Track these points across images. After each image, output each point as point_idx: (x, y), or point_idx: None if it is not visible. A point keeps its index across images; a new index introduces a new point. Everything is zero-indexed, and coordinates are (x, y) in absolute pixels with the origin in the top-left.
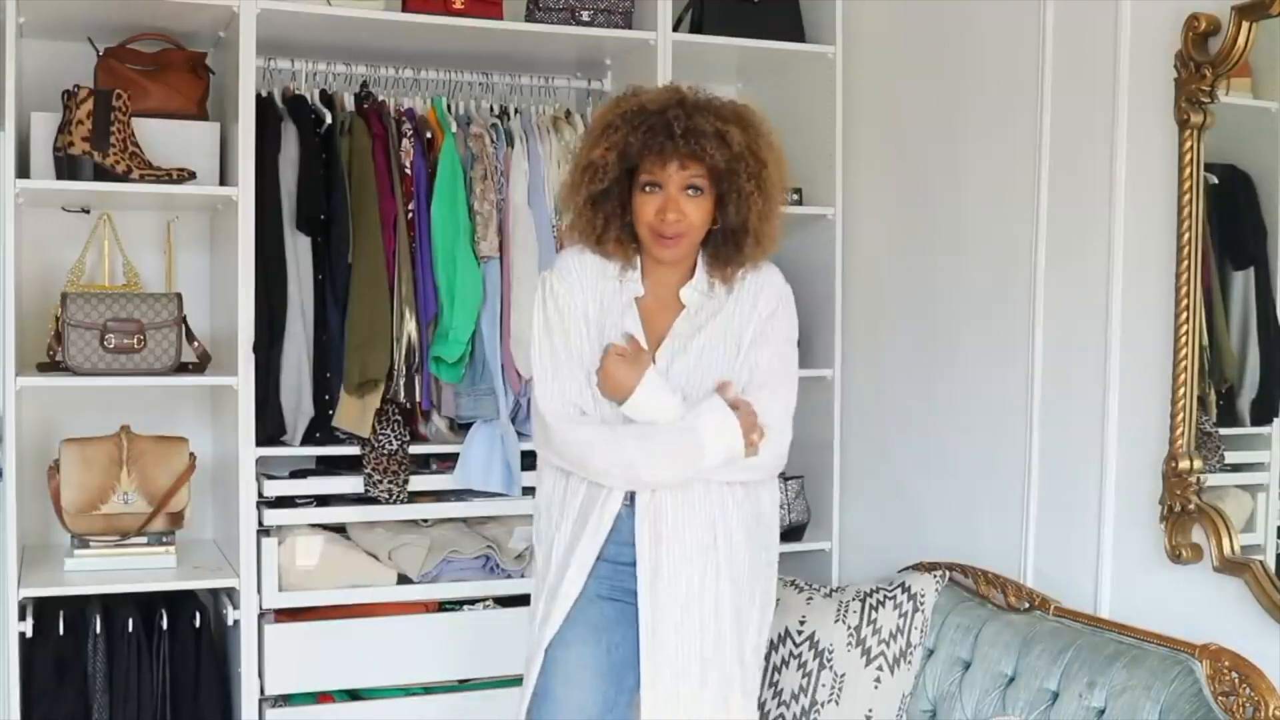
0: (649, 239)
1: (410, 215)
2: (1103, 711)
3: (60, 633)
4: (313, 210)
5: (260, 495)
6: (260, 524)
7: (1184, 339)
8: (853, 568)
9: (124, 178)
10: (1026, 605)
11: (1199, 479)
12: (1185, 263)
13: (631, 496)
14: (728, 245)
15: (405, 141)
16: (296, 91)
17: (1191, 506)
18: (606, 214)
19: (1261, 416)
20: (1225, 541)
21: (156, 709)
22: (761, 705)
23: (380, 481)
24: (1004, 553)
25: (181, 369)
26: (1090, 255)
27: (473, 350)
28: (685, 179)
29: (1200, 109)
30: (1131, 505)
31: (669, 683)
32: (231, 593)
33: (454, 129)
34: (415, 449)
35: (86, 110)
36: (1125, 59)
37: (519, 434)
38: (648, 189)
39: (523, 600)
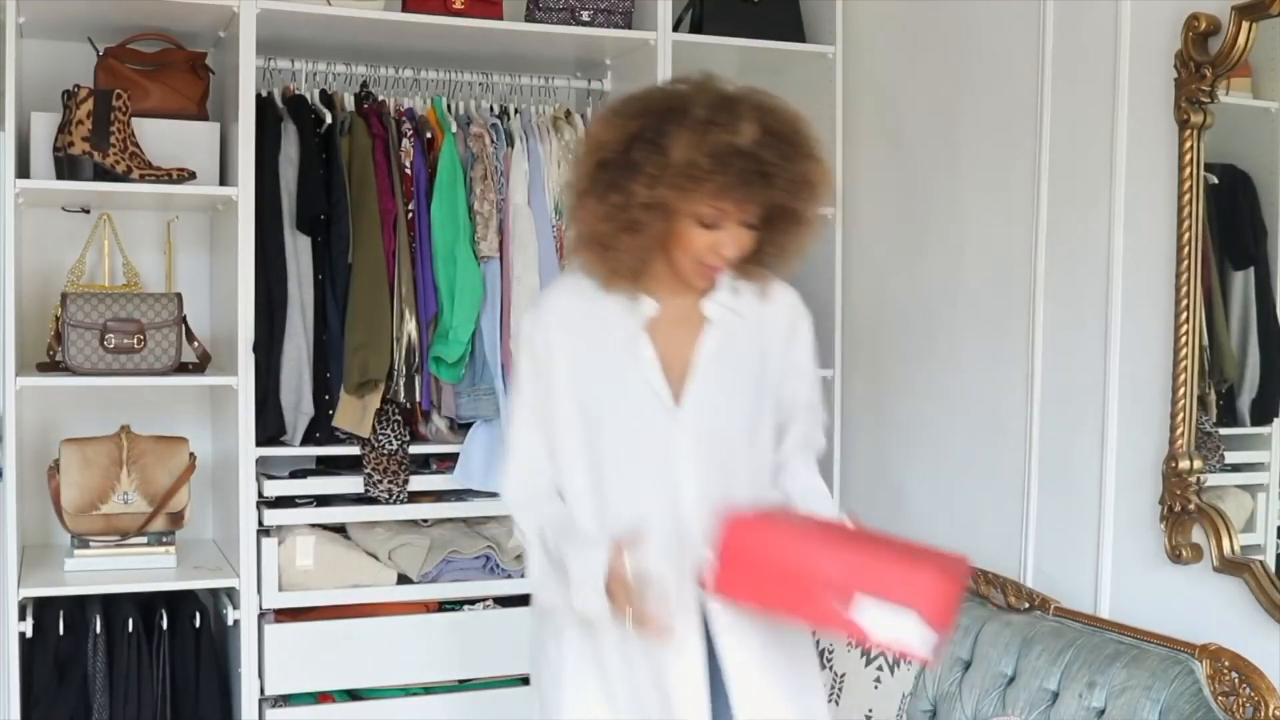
0: (690, 269)
1: (410, 215)
2: (1103, 711)
3: (60, 633)
4: (313, 210)
5: (260, 495)
6: (260, 524)
7: (1184, 339)
8: None
9: (124, 178)
10: (1026, 605)
11: (1199, 479)
12: (1185, 263)
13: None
14: (756, 258)
15: (405, 141)
16: (296, 91)
17: (1191, 506)
18: (641, 250)
19: (1261, 416)
20: (1225, 541)
21: (156, 709)
22: None
23: (380, 481)
24: (1004, 553)
25: (181, 369)
26: (1090, 255)
27: (473, 350)
28: (749, 215)
29: (1200, 109)
30: (1131, 505)
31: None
32: (231, 593)
33: (454, 129)
34: (415, 449)
35: (86, 110)
36: (1125, 59)
37: None
38: (706, 224)
39: (523, 600)
